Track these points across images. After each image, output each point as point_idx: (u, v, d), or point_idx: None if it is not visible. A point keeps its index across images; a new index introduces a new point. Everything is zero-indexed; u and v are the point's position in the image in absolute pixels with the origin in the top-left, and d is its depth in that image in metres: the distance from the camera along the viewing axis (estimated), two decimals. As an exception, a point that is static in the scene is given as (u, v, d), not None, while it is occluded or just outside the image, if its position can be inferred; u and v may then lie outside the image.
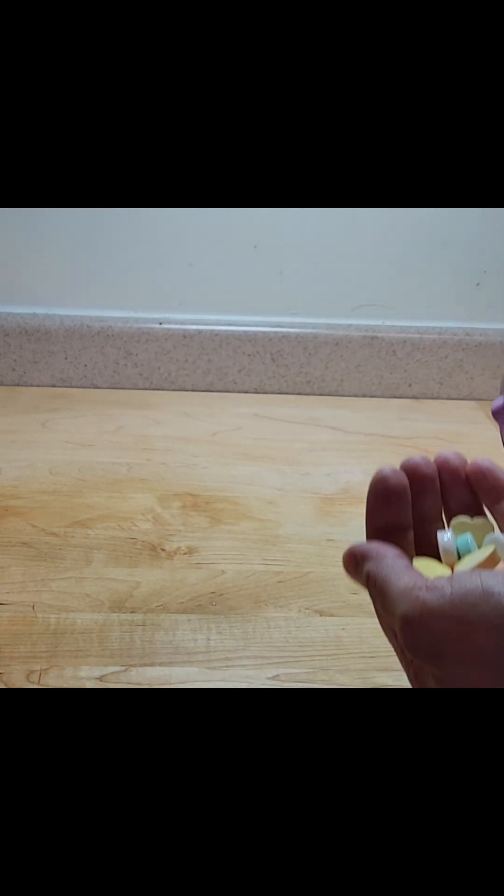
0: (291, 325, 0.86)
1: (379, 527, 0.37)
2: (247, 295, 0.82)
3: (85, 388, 0.85)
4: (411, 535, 0.37)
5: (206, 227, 0.80)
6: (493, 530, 0.36)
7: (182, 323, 0.80)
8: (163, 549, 0.59)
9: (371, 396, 0.87)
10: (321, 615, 0.55)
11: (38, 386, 0.85)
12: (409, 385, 0.87)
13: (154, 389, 0.82)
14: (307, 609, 0.56)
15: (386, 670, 0.51)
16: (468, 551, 0.36)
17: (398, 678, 0.51)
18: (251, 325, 0.81)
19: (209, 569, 0.58)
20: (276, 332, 0.85)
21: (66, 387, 0.85)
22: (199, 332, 0.80)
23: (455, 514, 0.37)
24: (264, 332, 0.81)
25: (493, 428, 0.82)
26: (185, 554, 0.59)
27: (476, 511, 0.37)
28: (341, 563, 0.64)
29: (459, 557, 0.36)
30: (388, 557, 0.34)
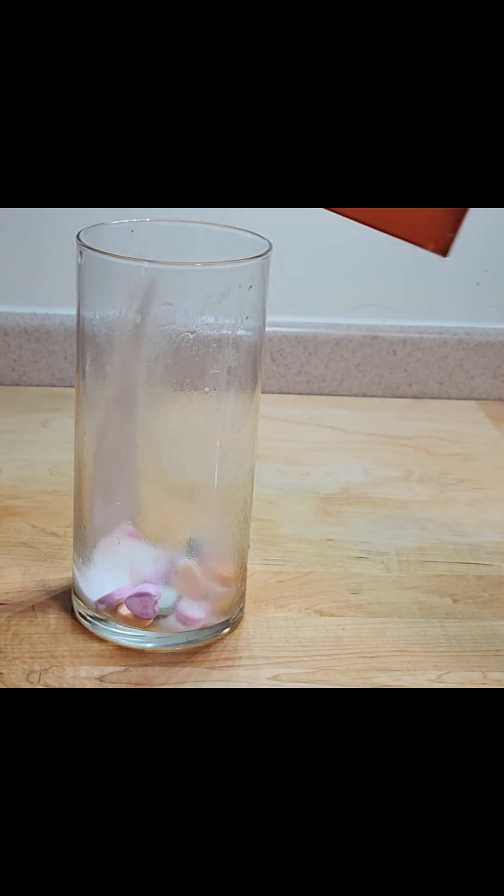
0: (291, 325, 0.86)
1: None
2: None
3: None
4: None
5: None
6: None
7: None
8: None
9: (371, 396, 0.87)
10: (321, 615, 0.55)
11: (38, 386, 0.85)
12: (410, 385, 0.87)
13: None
14: (307, 609, 0.56)
15: (386, 670, 0.51)
16: None
17: (398, 678, 0.51)
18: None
19: (209, 569, 0.58)
20: (275, 332, 0.85)
21: (66, 387, 0.85)
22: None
23: None
24: (264, 332, 0.81)
25: (493, 428, 0.82)
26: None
27: None
28: (341, 563, 0.64)
29: None
30: None
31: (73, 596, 0.54)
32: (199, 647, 0.52)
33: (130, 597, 0.51)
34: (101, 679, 0.49)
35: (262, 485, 0.67)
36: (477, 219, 0.85)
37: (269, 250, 0.47)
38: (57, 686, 0.49)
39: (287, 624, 0.55)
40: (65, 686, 0.49)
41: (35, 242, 0.82)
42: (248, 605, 0.56)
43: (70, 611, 0.54)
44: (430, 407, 0.86)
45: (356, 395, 0.87)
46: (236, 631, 0.54)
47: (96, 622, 0.52)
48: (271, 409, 0.82)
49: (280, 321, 0.85)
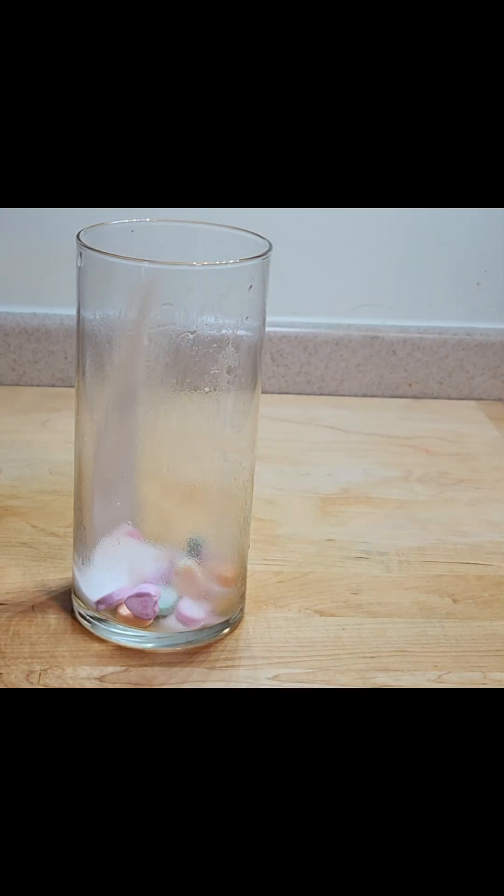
0: (291, 325, 0.86)
1: None
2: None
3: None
4: None
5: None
6: None
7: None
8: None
9: (371, 396, 0.87)
10: (321, 615, 0.55)
11: (37, 386, 0.85)
12: (410, 385, 0.87)
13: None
14: (307, 609, 0.56)
15: (386, 670, 0.51)
16: None
17: (398, 678, 0.51)
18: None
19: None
20: (275, 332, 0.85)
21: (66, 387, 0.85)
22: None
23: None
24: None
25: (493, 428, 0.82)
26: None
27: None
28: (341, 563, 0.64)
29: None
30: None
31: (73, 596, 0.54)
32: (199, 647, 0.52)
33: (130, 597, 0.51)
34: (101, 679, 0.49)
35: (262, 485, 0.68)
36: (477, 219, 0.85)
37: (269, 250, 0.47)
38: (57, 686, 0.49)
39: (287, 624, 0.55)
40: (65, 686, 0.49)
41: (35, 242, 0.82)
42: (248, 605, 0.56)
43: (70, 611, 0.54)
44: (430, 407, 0.86)
45: (356, 395, 0.87)
46: (236, 631, 0.54)
47: (96, 622, 0.52)
48: (271, 409, 0.82)
49: (280, 321, 0.85)
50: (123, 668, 0.50)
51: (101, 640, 0.52)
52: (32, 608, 0.54)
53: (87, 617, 0.52)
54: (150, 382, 0.47)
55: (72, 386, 0.84)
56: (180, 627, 0.51)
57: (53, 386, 0.85)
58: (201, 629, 0.52)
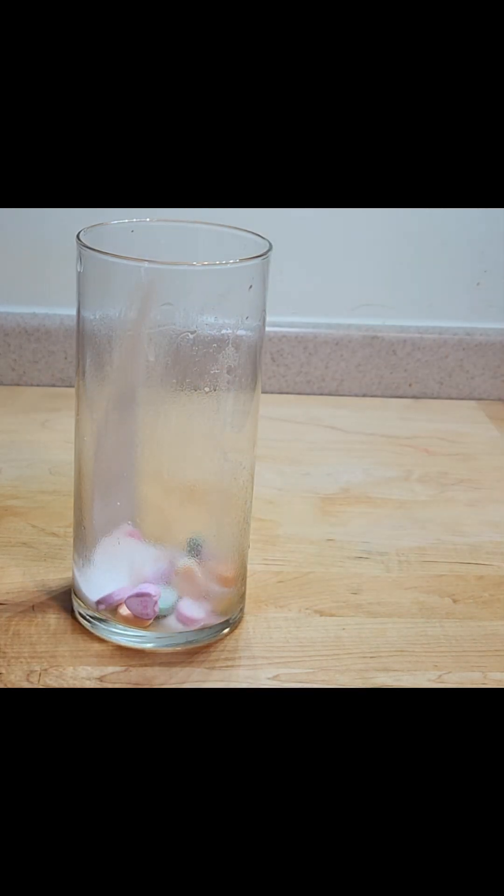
0: (291, 325, 0.86)
1: None
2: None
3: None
4: None
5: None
6: None
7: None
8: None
9: (371, 396, 0.87)
10: (321, 615, 0.55)
11: (37, 386, 0.85)
12: (410, 385, 0.87)
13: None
14: (307, 609, 0.56)
15: (386, 670, 0.51)
16: None
17: (398, 678, 0.51)
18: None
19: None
20: (275, 332, 0.85)
21: (66, 387, 0.85)
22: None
23: None
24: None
25: (493, 428, 0.82)
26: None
27: None
28: (341, 563, 0.64)
29: None
30: None
31: (73, 596, 0.54)
32: (199, 647, 0.52)
33: (130, 597, 0.51)
34: (101, 679, 0.49)
35: (262, 485, 0.68)
36: (477, 219, 0.85)
37: (269, 250, 0.47)
38: (57, 686, 0.49)
39: (287, 624, 0.55)
40: (65, 686, 0.49)
41: (35, 242, 0.82)
42: (248, 605, 0.56)
43: (70, 611, 0.54)
44: (430, 407, 0.86)
45: (356, 395, 0.87)
46: (236, 631, 0.54)
47: (96, 622, 0.52)
48: (271, 409, 0.82)
49: (280, 321, 0.85)
50: (123, 668, 0.50)
51: (101, 640, 0.52)
52: (32, 608, 0.54)
53: (87, 617, 0.52)
54: (150, 382, 0.47)
55: (72, 386, 0.84)
56: (180, 627, 0.51)
57: (53, 386, 0.85)
58: (201, 629, 0.52)
